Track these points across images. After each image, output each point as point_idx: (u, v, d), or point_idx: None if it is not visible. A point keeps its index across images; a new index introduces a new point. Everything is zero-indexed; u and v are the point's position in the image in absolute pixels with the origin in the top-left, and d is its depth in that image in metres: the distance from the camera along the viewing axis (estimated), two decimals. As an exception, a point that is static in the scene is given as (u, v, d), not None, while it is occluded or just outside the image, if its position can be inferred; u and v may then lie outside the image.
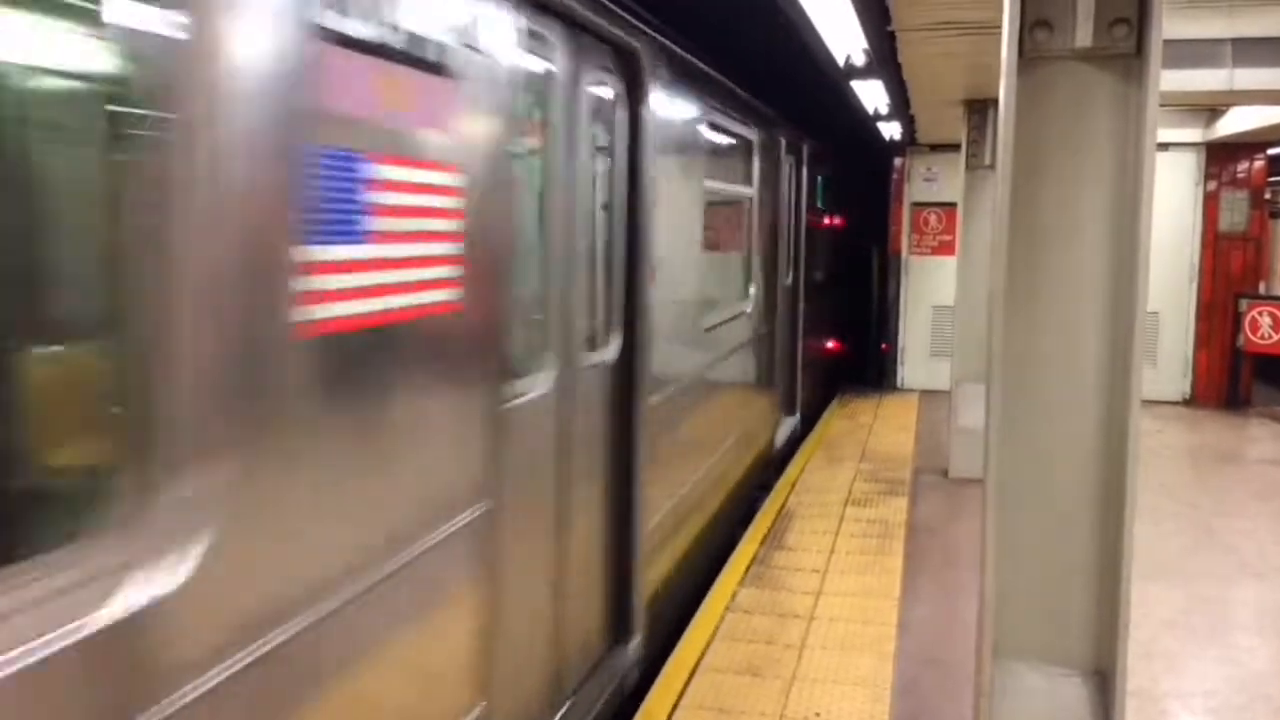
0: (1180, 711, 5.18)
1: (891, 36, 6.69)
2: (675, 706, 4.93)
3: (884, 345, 15.08)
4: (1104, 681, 3.38)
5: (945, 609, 6.31)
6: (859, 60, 7.72)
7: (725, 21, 7.44)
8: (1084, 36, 3.32)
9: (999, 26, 3.46)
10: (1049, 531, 3.48)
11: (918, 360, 14.80)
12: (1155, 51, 3.28)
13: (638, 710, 4.92)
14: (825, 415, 12.64)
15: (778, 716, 4.83)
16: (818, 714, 4.86)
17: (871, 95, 9.51)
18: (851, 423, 12.22)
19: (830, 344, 14.18)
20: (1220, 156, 13.32)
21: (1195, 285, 13.49)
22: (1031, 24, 3.34)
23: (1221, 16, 7.62)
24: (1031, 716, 3.44)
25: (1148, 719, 5.01)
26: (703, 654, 5.54)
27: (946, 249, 14.15)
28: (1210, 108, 12.25)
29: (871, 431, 11.68)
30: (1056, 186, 3.44)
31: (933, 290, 14.49)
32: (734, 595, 6.42)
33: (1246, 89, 8.06)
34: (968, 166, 9.97)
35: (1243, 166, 13.34)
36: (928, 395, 13.86)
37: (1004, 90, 3.37)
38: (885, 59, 7.57)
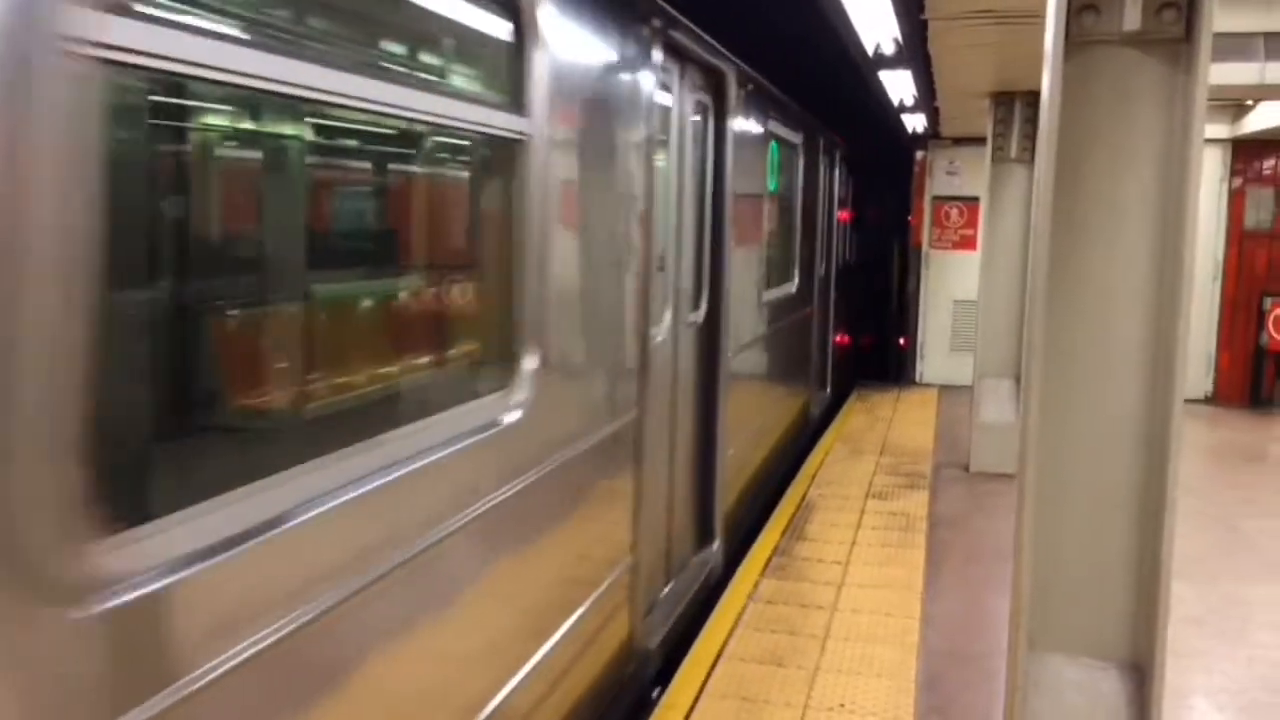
0: (1209, 709, 5.14)
1: (924, 25, 6.63)
2: (699, 695, 4.90)
3: (903, 339, 15.01)
4: (1141, 674, 3.34)
5: (969, 602, 6.26)
6: (888, 49, 7.66)
7: (758, 7, 7.39)
8: (1132, 20, 3.27)
9: (1035, 16, 3.42)
10: (1085, 523, 3.43)
11: (937, 355, 14.72)
12: (1205, 37, 3.24)
13: (660, 699, 4.90)
14: (843, 409, 12.60)
15: (803, 707, 4.80)
16: (843, 705, 4.82)
17: (898, 86, 9.44)
18: (870, 416, 12.16)
19: (853, 335, 14.33)
20: (1247, 153, 13.20)
21: (1219, 283, 13.38)
22: (1079, 7, 3.29)
23: (1258, 9, 7.53)
24: (1066, 710, 3.40)
25: (1176, 716, 4.96)
26: (725, 643, 5.51)
27: (968, 243, 14.07)
28: (1237, 103, 12.13)
29: (891, 425, 11.62)
30: (1099, 175, 3.39)
31: (953, 285, 14.39)
32: (756, 585, 6.38)
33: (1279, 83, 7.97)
34: (993, 160, 9.89)
35: (1269, 163, 13.22)
36: (947, 390, 13.79)
37: (1048, 75, 3.31)
38: (915, 49, 7.50)
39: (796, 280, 9.70)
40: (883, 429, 11.39)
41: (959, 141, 14.09)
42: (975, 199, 13.41)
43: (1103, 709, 3.35)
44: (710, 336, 6.35)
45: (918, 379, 14.70)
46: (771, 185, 8.32)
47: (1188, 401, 11.67)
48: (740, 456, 7.26)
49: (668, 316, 5.48)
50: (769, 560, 6.86)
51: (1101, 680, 3.41)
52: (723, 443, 6.50)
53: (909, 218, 14.90)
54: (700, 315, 6.20)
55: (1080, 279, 3.41)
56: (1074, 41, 3.32)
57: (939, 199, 14.66)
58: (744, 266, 7.15)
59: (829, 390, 12.47)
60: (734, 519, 7.09)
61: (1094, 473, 3.41)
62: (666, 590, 5.69)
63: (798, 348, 10.17)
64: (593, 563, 4.32)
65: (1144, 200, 3.36)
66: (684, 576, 5.99)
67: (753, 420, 7.84)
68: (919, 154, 14.69)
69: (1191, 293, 3.27)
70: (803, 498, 8.42)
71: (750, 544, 7.18)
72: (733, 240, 6.51)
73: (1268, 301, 13.00)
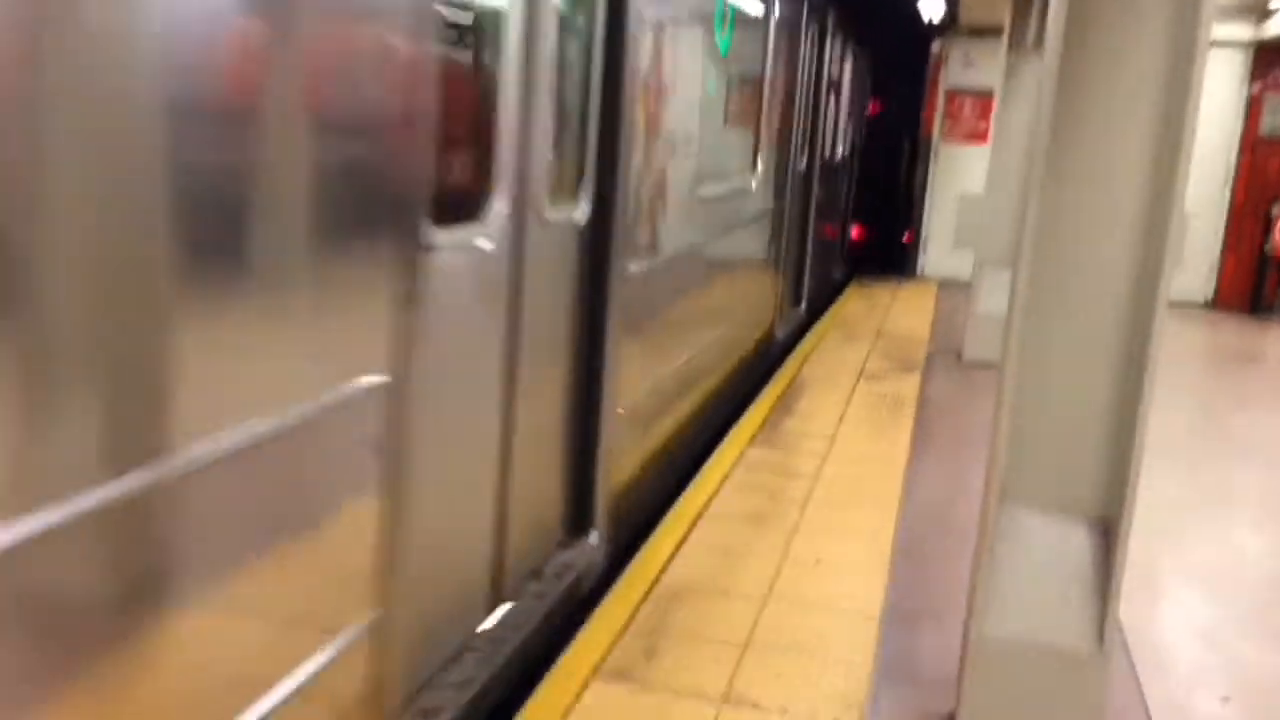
0: (1179, 583, 5.28)
1: (945, -106, 6.47)
2: (681, 543, 5.03)
3: (908, 233, 14.94)
4: (1108, 530, 3.44)
5: (952, 478, 6.38)
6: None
7: None
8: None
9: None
10: (1066, 381, 3.49)
11: (941, 248, 14.68)
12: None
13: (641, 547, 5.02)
14: (842, 298, 12.62)
15: (780, 559, 4.93)
16: (819, 560, 4.95)
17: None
18: (868, 304, 12.21)
19: (845, 231, 14.08)
20: (1267, 58, 12.99)
21: (1230, 188, 13.28)
22: None
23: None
24: (1034, 560, 3.50)
25: (1146, 589, 5.09)
26: (708, 502, 5.62)
27: (980, 137, 13.92)
28: (1263, 5, 11.90)
29: (889, 314, 11.68)
30: (1104, 63, 3.36)
31: (962, 178, 14.27)
32: (742, 453, 6.49)
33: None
34: (1010, 50, 9.75)
35: (1291, 68, 13.05)
36: (946, 284, 13.78)
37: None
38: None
39: (759, 171, 7.85)
40: (880, 316, 11.44)
41: (977, 33, 13.84)
42: (990, 92, 13.25)
43: (1069, 560, 3.46)
44: (599, 245, 4.67)
45: (919, 272, 14.69)
46: (720, 50, 6.32)
47: (1188, 305, 11.65)
48: (644, 413, 5.45)
49: (496, 213, 3.71)
50: (757, 431, 6.96)
51: (1070, 534, 3.50)
52: (610, 399, 4.75)
53: (921, 110, 14.73)
54: (581, 214, 4.50)
55: (1082, 150, 3.40)
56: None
57: (953, 90, 14.48)
58: (665, 153, 5.32)
59: (804, 305, 10.59)
60: (631, 499, 5.22)
61: (1078, 334, 3.46)
62: (492, 621, 3.96)
63: (758, 256, 8.38)
64: (245, 660, 2.44)
65: (1149, 87, 3.34)
66: (532, 590, 4.28)
67: (671, 359, 5.93)
68: (936, 44, 14.47)
69: (1190, 160, 3.26)
70: (795, 376, 8.50)
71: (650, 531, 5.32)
72: (642, 116, 4.80)
73: (1276, 207, 12.92)
